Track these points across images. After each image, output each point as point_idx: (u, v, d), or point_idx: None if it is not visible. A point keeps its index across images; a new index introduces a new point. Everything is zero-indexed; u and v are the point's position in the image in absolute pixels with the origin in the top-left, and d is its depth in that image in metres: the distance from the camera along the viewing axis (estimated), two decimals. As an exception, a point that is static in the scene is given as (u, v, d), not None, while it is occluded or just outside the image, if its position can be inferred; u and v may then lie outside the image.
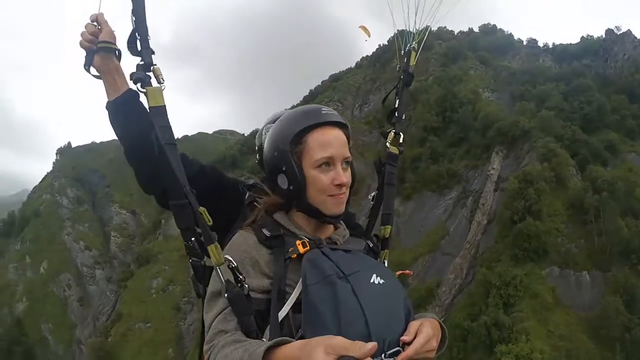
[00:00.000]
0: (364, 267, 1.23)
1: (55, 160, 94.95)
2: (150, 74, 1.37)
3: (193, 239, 1.36)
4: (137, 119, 1.44)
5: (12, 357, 55.21)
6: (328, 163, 1.31)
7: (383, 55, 75.45)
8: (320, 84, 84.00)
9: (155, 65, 1.39)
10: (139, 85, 1.36)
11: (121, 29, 1.49)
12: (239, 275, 1.21)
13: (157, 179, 1.42)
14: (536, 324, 25.16)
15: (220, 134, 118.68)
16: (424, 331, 1.12)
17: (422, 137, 42.63)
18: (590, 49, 72.52)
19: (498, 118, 42.32)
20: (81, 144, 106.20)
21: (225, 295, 1.19)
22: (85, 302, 65.67)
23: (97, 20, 1.48)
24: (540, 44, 76.57)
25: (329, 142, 1.31)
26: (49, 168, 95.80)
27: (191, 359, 43.71)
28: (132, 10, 1.40)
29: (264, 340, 1.14)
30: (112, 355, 49.23)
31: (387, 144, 1.78)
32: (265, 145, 1.40)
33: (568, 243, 31.36)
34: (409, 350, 1.08)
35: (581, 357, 23.47)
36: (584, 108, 49.55)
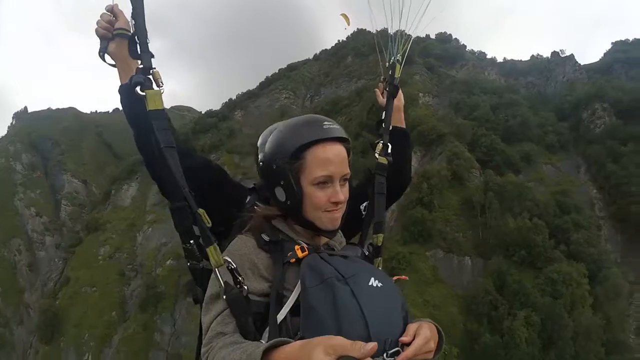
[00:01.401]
0: (362, 271, 1.27)
1: (11, 125, 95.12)
2: (150, 77, 1.43)
3: (192, 241, 1.38)
4: (137, 108, 1.45)
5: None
6: (326, 181, 1.34)
7: (340, 51, 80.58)
8: (277, 71, 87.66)
9: (155, 68, 1.44)
10: (138, 88, 1.40)
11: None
12: (237, 276, 1.24)
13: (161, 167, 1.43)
14: (414, 293, 31.39)
15: (178, 110, 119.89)
16: (423, 333, 1.15)
17: (357, 132, 48.01)
18: (537, 68, 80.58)
19: (421, 122, 48.40)
20: (37, 109, 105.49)
21: (224, 297, 1.22)
22: (34, 267, 67.83)
23: (113, 11, 1.58)
24: (490, 57, 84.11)
25: (329, 160, 1.33)
26: (3, 132, 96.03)
27: (134, 321, 48.13)
28: (132, 14, 1.46)
29: (262, 342, 1.16)
30: (60, 316, 52.51)
31: (376, 155, 1.86)
32: (265, 154, 1.40)
33: (456, 232, 37.89)
34: (409, 351, 1.10)
35: (445, 323, 29.74)
36: (509, 120, 56.61)
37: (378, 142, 1.90)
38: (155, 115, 1.39)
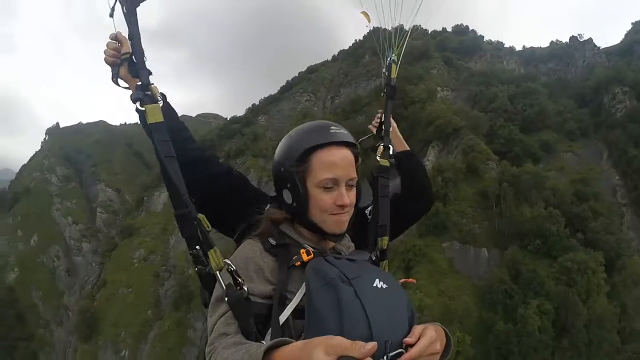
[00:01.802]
0: (367, 273, 1.28)
1: (44, 140, 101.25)
2: (149, 93, 1.49)
3: (197, 247, 1.40)
4: (167, 119, 1.52)
5: (5, 320, 62.49)
6: (332, 184, 1.36)
7: (357, 50, 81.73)
8: (297, 75, 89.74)
9: (153, 84, 1.50)
10: (138, 104, 1.47)
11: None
12: (237, 278, 1.27)
13: (189, 175, 1.47)
14: (429, 283, 32.70)
15: (204, 118, 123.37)
16: (428, 334, 1.14)
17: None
18: (557, 54, 79.48)
19: (438, 116, 49.34)
20: (68, 124, 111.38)
21: (226, 298, 1.25)
22: (72, 272, 72.75)
23: (117, 38, 1.62)
24: (508, 46, 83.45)
25: (335, 163, 1.36)
26: (36, 148, 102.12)
27: (168, 319, 51.11)
28: (128, 35, 1.52)
29: (264, 342, 1.17)
30: (97, 317, 56.38)
31: (378, 158, 1.87)
32: (275, 158, 1.46)
33: (472, 224, 38.82)
34: (412, 351, 1.10)
35: (460, 312, 30.93)
36: (526, 110, 56.74)
37: (379, 145, 1.94)
38: (155, 128, 1.46)
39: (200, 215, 1.36)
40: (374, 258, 1.60)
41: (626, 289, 34.94)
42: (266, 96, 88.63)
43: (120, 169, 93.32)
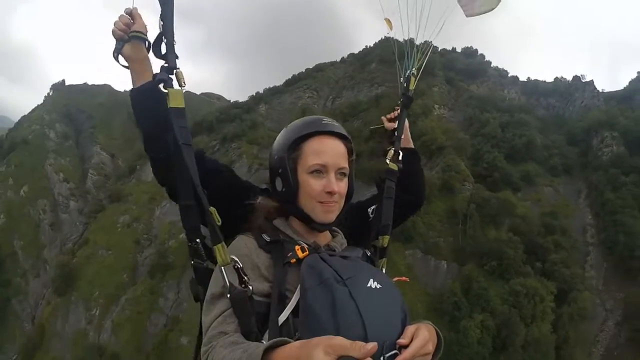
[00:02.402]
0: (362, 272, 1.28)
1: (48, 95, 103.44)
2: (173, 76, 1.50)
3: (198, 240, 1.43)
4: (158, 107, 1.50)
5: (-15, 262, 64.57)
6: (321, 170, 1.41)
7: (365, 56, 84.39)
8: (304, 70, 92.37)
9: (179, 69, 1.51)
10: (161, 85, 1.49)
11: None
12: (243, 276, 1.29)
13: (169, 169, 1.48)
14: (385, 286, 35.31)
15: (208, 97, 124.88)
16: (421, 335, 1.16)
17: (368, 136, 51.97)
18: (558, 90, 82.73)
19: (427, 132, 52.03)
20: (74, 83, 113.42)
21: (228, 296, 1.25)
22: (56, 227, 74.55)
23: (131, 14, 1.63)
24: (513, 74, 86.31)
25: (324, 150, 1.41)
26: (37, 101, 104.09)
27: (142, 285, 53.69)
28: (161, 15, 1.53)
29: (264, 342, 1.17)
30: (75, 273, 58.61)
31: (387, 161, 1.95)
32: (271, 150, 1.52)
33: (438, 237, 41.73)
34: (407, 353, 1.11)
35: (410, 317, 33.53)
36: (515, 140, 59.51)
37: (389, 149, 2.02)
38: (176, 113, 1.46)
39: (212, 209, 1.38)
40: (368, 254, 1.61)
41: (572, 322, 37.84)
42: (270, 86, 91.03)
43: (119, 135, 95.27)
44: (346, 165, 1.46)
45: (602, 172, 56.41)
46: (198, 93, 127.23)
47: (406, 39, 2.15)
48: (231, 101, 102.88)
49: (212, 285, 1.35)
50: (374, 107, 68.56)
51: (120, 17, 1.64)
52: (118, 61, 1.64)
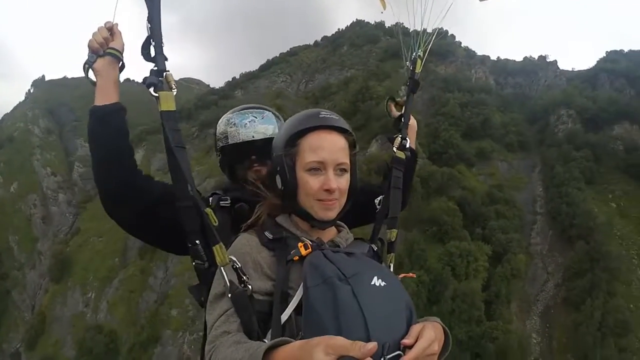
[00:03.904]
0: (366, 270, 1.32)
1: (29, 91, 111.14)
2: (163, 79, 1.56)
3: (198, 241, 1.50)
4: (116, 133, 1.58)
5: (-18, 260, 72.07)
6: (319, 167, 1.45)
7: (338, 39, 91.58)
8: (278, 55, 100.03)
9: (168, 71, 1.58)
10: (151, 89, 1.55)
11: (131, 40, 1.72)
12: (242, 276, 1.35)
13: (120, 197, 1.54)
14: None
15: (186, 82, 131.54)
16: (426, 335, 1.20)
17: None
18: (526, 69, 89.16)
19: (384, 114, 59.84)
20: (54, 77, 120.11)
21: (229, 295, 1.32)
22: (47, 220, 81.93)
23: (112, 30, 1.69)
24: (484, 54, 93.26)
25: (321, 146, 1.45)
26: (19, 98, 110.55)
27: (133, 266, 62.27)
28: (148, 18, 1.58)
29: (266, 341, 1.22)
30: (69, 261, 66.66)
31: (394, 149, 2.02)
32: (272, 145, 1.57)
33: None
34: (411, 354, 1.15)
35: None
36: (472, 118, 67.76)
37: (397, 137, 2.09)
38: (167, 116, 1.54)
39: (208, 210, 1.47)
40: (375, 249, 1.67)
41: (504, 280, 46.63)
42: (245, 72, 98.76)
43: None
44: (346, 160, 1.51)
45: (556, 148, 64.12)
46: (177, 79, 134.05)
47: (410, 21, 2.18)
48: (210, 85, 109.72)
49: (214, 285, 1.42)
50: (343, 90, 76.34)
51: (100, 29, 1.71)
52: (87, 75, 1.74)
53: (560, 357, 43.12)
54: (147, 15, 1.59)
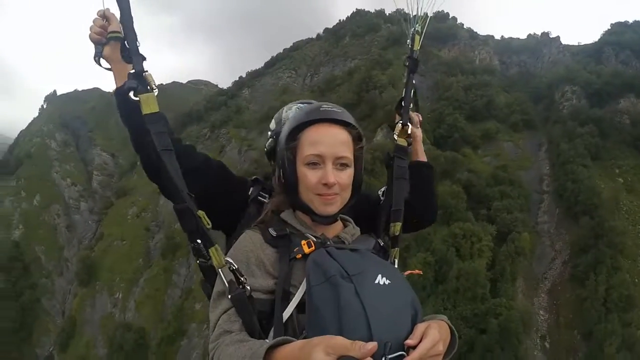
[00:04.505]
0: (370, 267, 1.35)
1: (42, 107, 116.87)
2: (143, 80, 1.55)
3: (199, 240, 1.49)
4: (139, 108, 1.57)
5: (13, 271, 77.95)
6: (317, 161, 1.48)
7: (339, 31, 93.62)
8: (282, 51, 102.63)
9: (147, 72, 1.56)
10: (131, 94, 1.55)
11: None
12: (240, 277, 1.37)
13: (158, 168, 1.55)
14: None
15: (194, 85, 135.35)
16: (430, 334, 1.20)
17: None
18: (529, 47, 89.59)
19: (389, 102, 61.75)
20: (65, 91, 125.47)
21: (229, 296, 1.35)
22: (71, 228, 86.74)
23: (105, 15, 1.70)
24: (487, 34, 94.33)
25: (320, 139, 1.47)
26: (33, 114, 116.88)
27: (157, 266, 66.58)
28: (120, 19, 1.58)
29: (267, 340, 1.27)
30: (95, 265, 70.98)
31: (395, 136, 1.97)
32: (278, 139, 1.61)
33: (392, 195, 52.73)
34: (414, 354, 1.15)
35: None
36: (476, 100, 69.90)
37: (397, 123, 2.02)
38: (151, 119, 1.52)
39: (200, 212, 1.47)
40: (381, 244, 1.68)
41: (508, 259, 49.17)
42: (251, 70, 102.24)
43: (115, 134, 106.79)
44: (347, 154, 1.51)
45: (561, 125, 65.43)
46: (184, 82, 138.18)
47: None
48: (217, 85, 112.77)
49: (216, 283, 1.46)
50: (348, 82, 78.58)
51: (95, 20, 1.74)
52: (100, 64, 1.74)
53: (566, 332, 45.01)
54: (119, 16, 1.62)
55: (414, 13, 2.07)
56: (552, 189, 60.94)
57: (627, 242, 49.13)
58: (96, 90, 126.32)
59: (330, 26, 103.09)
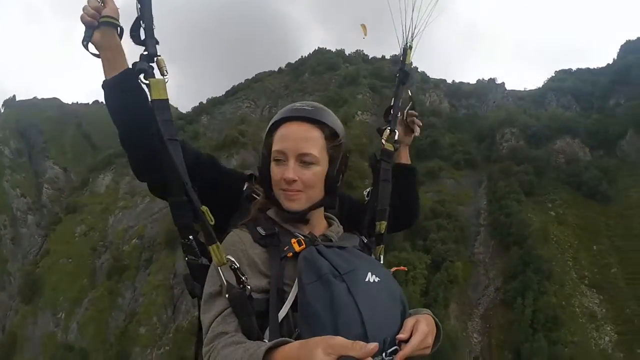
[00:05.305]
0: (360, 265, 1.36)
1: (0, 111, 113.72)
2: (154, 65, 1.51)
3: (191, 237, 1.48)
4: (133, 100, 1.52)
5: (-49, 281, 74.53)
6: (281, 158, 1.49)
7: (300, 66, 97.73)
8: (243, 81, 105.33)
9: (160, 56, 1.52)
10: (142, 76, 1.49)
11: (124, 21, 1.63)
12: (241, 276, 1.34)
13: (150, 164, 1.51)
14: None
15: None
16: (420, 328, 1.26)
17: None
18: (477, 91, 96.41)
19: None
20: (25, 98, 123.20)
21: (227, 296, 1.31)
22: (16, 241, 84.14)
23: None
24: (439, 78, 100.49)
25: (285, 135, 1.49)
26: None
27: (101, 287, 66.34)
28: None
29: (265, 341, 1.25)
30: (39, 282, 69.17)
31: (383, 141, 2.00)
32: None
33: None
34: (407, 349, 1.20)
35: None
36: (422, 140, 74.58)
37: (385, 128, 2.06)
38: (159, 105, 1.48)
39: (204, 208, 1.41)
40: (365, 241, 1.69)
41: (442, 285, 52.99)
42: (211, 97, 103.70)
43: (69, 148, 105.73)
44: (312, 151, 1.49)
45: (499, 164, 70.84)
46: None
47: (401, 8, 2.15)
48: (177, 108, 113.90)
49: (208, 284, 1.41)
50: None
51: (90, 1, 1.63)
52: (88, 49, 1.64)
53: (498, 353, 49.32)
54: None
55: (407, 30, 2.21)
56: (487, 222, 65.73)
57: (555, 269, 54.40)
58: (55, 100, 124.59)
59: (293, 61, 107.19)
